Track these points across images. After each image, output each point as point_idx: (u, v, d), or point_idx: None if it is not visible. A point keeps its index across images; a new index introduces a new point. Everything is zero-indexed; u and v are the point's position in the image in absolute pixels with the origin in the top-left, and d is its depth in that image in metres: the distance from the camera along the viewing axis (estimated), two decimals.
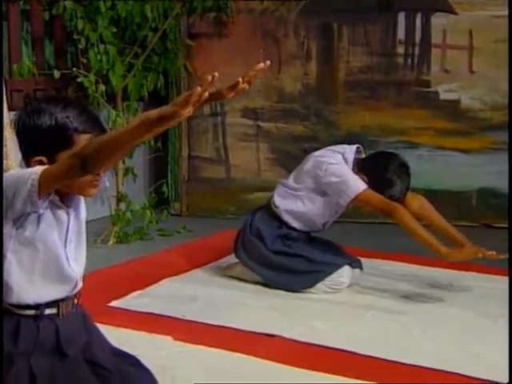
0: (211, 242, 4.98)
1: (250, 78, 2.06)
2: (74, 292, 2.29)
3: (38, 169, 2.03)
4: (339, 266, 3.84)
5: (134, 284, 3.86)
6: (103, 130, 2.15)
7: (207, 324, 3.32)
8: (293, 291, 3.82)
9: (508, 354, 1.82)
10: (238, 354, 2.95)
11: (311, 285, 3.81)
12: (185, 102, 1.81)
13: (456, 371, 2.84)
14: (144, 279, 3.96)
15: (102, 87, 5.04)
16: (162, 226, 5.41)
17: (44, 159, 2.09)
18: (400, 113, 5.79)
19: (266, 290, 3.88)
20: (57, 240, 2.18)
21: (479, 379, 2.78)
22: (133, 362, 2.37)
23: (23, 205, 2.06)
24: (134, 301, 3.66)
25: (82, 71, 5.02)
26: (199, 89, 1.80)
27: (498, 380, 2.75)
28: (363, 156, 3.86)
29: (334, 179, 3.72)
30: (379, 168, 3.73)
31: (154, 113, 1.85)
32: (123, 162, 5.21)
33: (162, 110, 1.84)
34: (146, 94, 5.37)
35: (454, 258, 3.54)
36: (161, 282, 3.97)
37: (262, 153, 6.05)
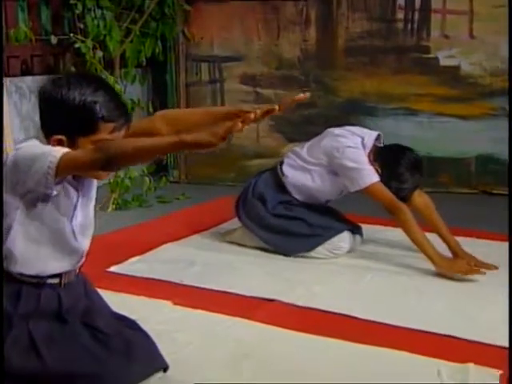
0: (210, 208, 4.98)
1: (286, 106, 2.07)
2: (78, 265, 2.31)
3: (57, 151, 2.01)
4: (339, 231, 3.85)
5: (133, 249, 3.87)
6: (128, 120, 2.14)
7: (206, 289, 3.33)
8: (292, 255, 3.84)
9: (508, 354, 1.83)
10: (237, 319, 2.96)
11: (311, 249, 3.82)
12: (224, 135, 1.85)
13: (452, 334, 2.86)
14: (143, 245, 3.96)
15: (100, 53, 5.01)
16: (161, 193, 5.41)
17: (64, 139, 2.08)
18: (399, 79, 5.76)
19: (265, 254, 3.89)
20: (65, 215, 2.18)
21: (475, 342, 2.80)
22: (132, 325, 2.39)
23: (36, 184, 2.04)
24: (133, 266, 3.67)
25: (79, 37, 4.99)
26: (240, 125, 1.82)
27: (494, 342, 2.78)
28: (381, 145, 3.83)
29: (348, 164, 3.69)
30: (393, 161, 3.71)
31: (189, 138, 1.87)
32: None
33: (198, 137, 1.86)
34: (144, 59, 5.34)
35: (446, 270, 3.51)
36: (160, 248, 3.98)
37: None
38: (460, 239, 4.00)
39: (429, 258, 3.55)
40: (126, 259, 3.73)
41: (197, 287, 3.36)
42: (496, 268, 3.59)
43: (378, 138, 3.82)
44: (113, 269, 3.62)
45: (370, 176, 3.67)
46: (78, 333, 2.26)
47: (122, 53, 5.21)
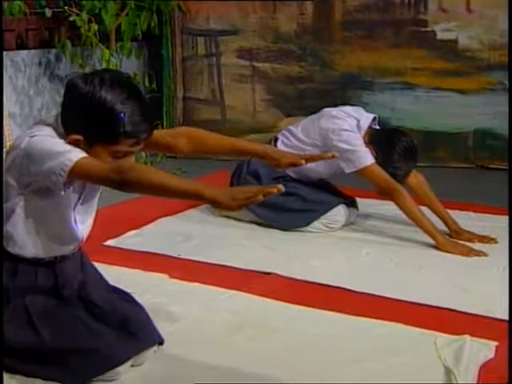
0: (207, 183, 4.93)
1: (312, 160, 2.05)
2: (76, 250, 2.31)
3: (74, 154, 1.99)
4: (334, 205, 3.84)
5: (130, 223, 3.86)
6: (151, 134, 2.11)
7: (203, 262, 3.33)
8: (288, 230, 3.83)
9: (508, 353, 1.83)
10: (234, 292, 2.96)
11: (306, 223, 3.82)
12: (243, 204, 1.86)
13: (449, 307, 2.87)
14: (139, 219, 3.96)
15: (95, 26, 4.97)
16: (158, 168, 5.38)
17: (82, 140, 2.06)
18: (397, 53, 5.72)
19: (261, 228, 3.89)
20: (68, 206, 2.18)
21: (472, 314, 2.81)
22: (128, 299, 2.40)
23: (45, 180, 2.03)
24: (130, 240, 3.67)
25: (74, 10, 4.95)
26: (261, 197, 1.83)
27: (491, 314, 2.79)
28: (377, 127, 3.81)
29: (343, 146, 3.67)
30: (388, 145, 3.68)
31: (208, 193, 1.87)
32: None
33: (218, 197, 1.87)
34: (140, 33, 5.29)
35: (449, 250, 3.50)
36: (156, 222, 3.98)
37: (257, 94, 6.00)
38: (457, 213, 4.01)
39: (431, 236, 3.55)
40: (123, 233, 3.73)
41: (193, 261, 3.36)
42: (495, 241, 3.60)
43: (373, 120, 3.80)
44: (109, 243, 3.62)
45: (366, 157, 3.66)
46: (73, 307, 2.27)
47: (117, 26, 5.17)
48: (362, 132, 3.74)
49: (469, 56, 5.59)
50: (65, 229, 2.24)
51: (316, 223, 3.83)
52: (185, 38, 6.01)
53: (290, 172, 3.88)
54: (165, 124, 5.96)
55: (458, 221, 3.82)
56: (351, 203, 3.99)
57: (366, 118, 3.78)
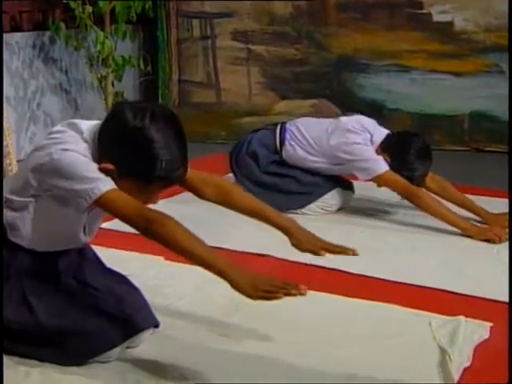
0: (203, 166, 4.94)
1: (332, 252, 2.15)
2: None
3: (104, 184, 1.98)
4: (331, 188, 3.84)
5: None
6: (183, 180, 2.14)
7: None
8: (284, 212, 3.83)
9: (508, 353, 1.84)
10: None
11: (302, 206, 3.83)
12: (262, 296, 1.91)
13: (444, 288, 2.88)
14: None
15: (89, 9, 4.95)
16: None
17: (114, 170, 2.03)
18: (392, 35, 5.72)
19: None
20: (82, 215, 2.17)
21: (467, 295, 2.82)
22: (124, 282, 2.40)
23: (67, 197, 2.03)
24: None
25: None
26: (279, 298, 1.88)
27: (485, 296, 2.80)
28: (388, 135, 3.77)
29: (356, 158, 3.67)
30: (401, 149, 3.65)
31: (230, 276, 1.93)
32: (113, 86, 5.15)
33: (239, 281, 1.93)
34: (135, 15, 5.27)
35: (479, 237, 3.46)
36: (151, 204, 3.95)
37: (252, 76, 5.99)
38: None
39: (459, 228, 3.50)
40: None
41: None
42: None
43: (387, 136, 3.75)
44: (104, 225, 3.56)
45: (379, 165, 3.63)
46: (69, 289, 2.27)
47: (111, 9, 5.14)
48: (375, 146, 3.71)
49: (464, 38, 5.58)
50: (73, 235, 2.27)
51: (312, 206, 3.83)
52: (180, 21, 5.99)
53: (288, 159, 3.88)
54: None
55: (449, 205, 3.82)
56: (347, 186, 3.99)
57: (380, 134, 3.75)
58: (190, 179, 2.24)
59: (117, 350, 2.23)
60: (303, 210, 3.84)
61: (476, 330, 2.49)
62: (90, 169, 2.01)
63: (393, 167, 3.63)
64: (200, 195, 2.32)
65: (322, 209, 3.84)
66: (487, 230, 3.52)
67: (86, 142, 2.07)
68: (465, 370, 2.24)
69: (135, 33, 5.50)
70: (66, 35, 5.08)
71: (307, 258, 3.16)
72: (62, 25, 5.05)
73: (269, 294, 1.89)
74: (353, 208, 3.96)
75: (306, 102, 5.92)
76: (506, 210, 3.81)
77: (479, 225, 3.60)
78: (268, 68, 5.97)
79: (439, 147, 5.65)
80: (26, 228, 2.18)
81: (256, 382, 2.09)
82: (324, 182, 3.87)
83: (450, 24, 5.59)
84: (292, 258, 3.19)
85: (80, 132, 2.09)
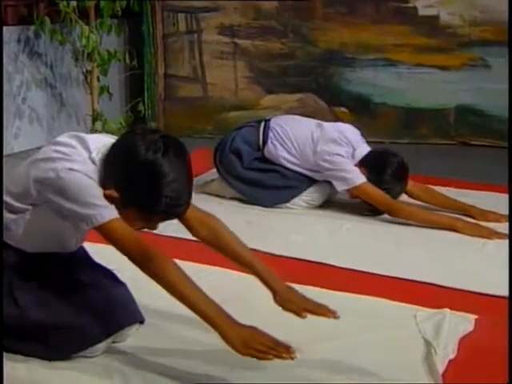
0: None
1: (315, 314, 2.16)
2: None
3: (107, 212, 2.00)
4: (315, 182, 3.84)
5: None
6: (182, 214, 2.14)
7: (183, 239, 3.29)
8: (269, 206, 3.84)
9: (508, 351, 1.84)
10: (215, 268, 2.96)
11: (287, 200, 3.83)
12: (251, 354, 1.93)
13: (429, 281, 2.89)
14: None
15: (74, 3, 4.92)
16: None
17: (117, 198, 2.03)
18: (378, 29, 5.71)
19: (242, 205, 3.90)
20: (78, 229, 2.16)
21: (452, 288, 2.83)
22: (110, 276, 2.39)
23: (68, 217, 2.04)
24: None
25: None
26: (272, 357, 1.91)
27: (470, 288, 2.81)
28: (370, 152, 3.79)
29: (335, 167, 3.69)
30: (379, 167, 3.68)
31: (221, 327, 1.96)
32: (98, 80, 5.13)
33: (230, 335, 1.95)
34: (120, 9, 5.23)
35: (470, 233, 3.46)
36: None
37: (239, 71, 5.97)
38: (438, 189, 4.03)
39: (450, 227, 3.50)
40: None
41: (173, 237, 3.34)
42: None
43: (369, 153, 3.77)
44: None
45: (357, 177, 3.65)
46: (56, 283, 2.26)
47: (96, 3, 5.11)
48: (355, 160, 3.73)
49: (450, 32, 5.59)
50: (65, 243, 2.28)
51: (296, 200, 3.84)
52: (165, 15, 5.96)
53: (269, 157, 3.88)
54: (146, 101, 5.92)
55: None
56: None
57: (362, 150, 3.77)
58: (187, 216, 2.23)
59: (102, 344, 2.23)
60: (287, 205, 3.84)
61: (461, 323, 2.50)
62: (95, 194, 2.01)
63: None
64: (194, 234, 2.33)
65: (307, 203, 3.85)
66: (474, 225, 3.53)
67: (93, 162, 2.06)
68: (449, 362, 2.25)
69: (120, 27, 5.46)
70: (50, 29, 5.04)
71: (292, 251, 3.20)
72: (47, 19, 5.01)
73: (259, 353, 1.91)
74: (338, 201, 3.96)
75: (292, 96, 5.92)
76: (492, 202, 3.86)
77: (466, 219, 3.61)
78: (254, 62, 5.96)
79: (425, 141, 5.68)
80: (18, 231, 2.18)
81: (242, 374, 2.08)
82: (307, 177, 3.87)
83: (436, 18, 5.59)
84: (277, 252, 3.20)
85: (88, 150, 2.08)
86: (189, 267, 2.91)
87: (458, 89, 5.63)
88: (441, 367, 2.20)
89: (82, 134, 2.17)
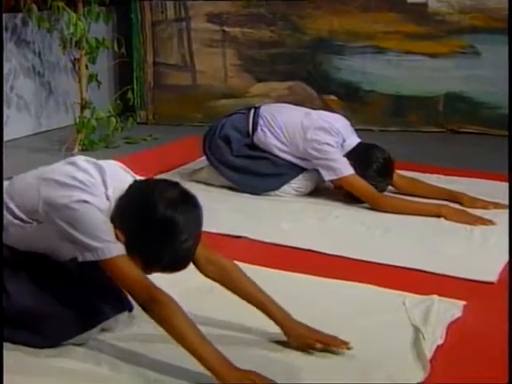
0: (178, 148, 4.95)
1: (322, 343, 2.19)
2: None
3: (115, 248, 2.01)
4: (305, 169, 3.83)
5: None
6: (184, 268, 2.10)
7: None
8: (259, 194, 3.84)
9: (508, 351, 1.85)
10: None
11: (276, 187, 3.83)
12: None
13: (418, 268, 2.89)
14: None
15: None
16: (128, 134, 5.36)
17: (124, 241, 2.03)
18: (367, 17, 5.69)
19: (231, 192, 3.89)
20: None
21: (440, 274, 2.84)
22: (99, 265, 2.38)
23: (74, 246, 2.05)
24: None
25: None
26: None
27: (458, 275, 2.82)
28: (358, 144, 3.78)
29: (323, 156, 3.68)
30: (366, 161, 3.67)
31: (220, 372, 1.93)
32: (86, 68, 5.11)
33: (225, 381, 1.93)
34: None
35: (455, 220, 3.46)
36: None
37: (228, 59, 5.96)
38: (427, 176, 4.05)
39: (435, 214, 3.50)
40: None
41: None
42: (502, 207, 3.58)
43: (358, 144, 3.77)
44: None
45: (347, 167, 3.65)
46: (46, 272, 2.26)
47: None
48: (344, 151, 3.73)
49: (439, 20, 5.58)
50: (61, 256, 2.27)
51: (286, 187, 3.83)
52: (154, 3, 5.93)
53: (258, 144, 3.88)
54: (135, 89, 5.90)
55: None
56: None
57: (352, 141, 3.77)
58: (197, 255, 2.19)
59: (91, 332, 2.23)
60: (277, 192, 3.83)
61: (449, 309, 2.51)
62: (106, 230, 2.02)
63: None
64: (202, 272, 2.30)
65: (296, 190, 3.84)
66: (460, 211, 3.55)
67: (107, 199, 2.07)
68: (438, 347, 2.26)
69: (109, 15, 5.43)
70: (38, 17, 5.01)
71: (282, 238, 3.21)
72: (34, 7, 4.98)
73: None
74: (327, 189, 3.96)
75: (281, 84, 5.90)
76: (481, 189, 3.88)
77: (453, 205, 3.63)
78: (243, 50, 5.94)
79: (414, 129, 5.68)
80: (16, 235, 2.18)
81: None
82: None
83: (425, 5, 5.58)
84: (267, 240, 3.20)
85: (105, 185, 2.09)
86: None
87: (448, 76, 5.62)
88: (429, 353, 2.21)
89: (101, 163, 2.17)
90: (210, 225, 3.26)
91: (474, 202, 3.67)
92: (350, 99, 5.75)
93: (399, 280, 2.78)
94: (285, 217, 3.52)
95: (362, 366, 2.14)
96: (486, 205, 3.64)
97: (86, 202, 2.02)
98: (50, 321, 2.18)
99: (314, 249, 3.10)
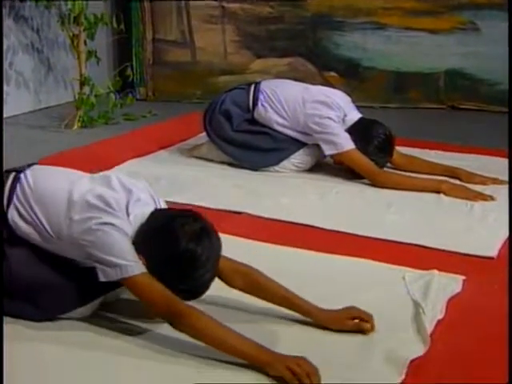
0: (177, 124, 4.94)
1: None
2: None
3: (137, 270, 2.03)
4: (304, 145, 3.83)
5: (99, 165, 3.78)
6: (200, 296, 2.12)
7: (172, 202, 3.28)
8: (258, 169, 3.83)
9: (508, 353, 1.85)
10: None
11: (276, 162, 3.81)
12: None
13: (418, 243, 2.90)
14: (108, 160, 3.90)
15: None
16: (128, 111, 5.34)
17: (144, 262, 2.07)
18: None
19: (231, 168, 3.88)
20: None
21: (440, 250, 2.84)
22: None
23: (96, 264, 2.09)
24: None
25: None
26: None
27: (457, 250, 2.83)
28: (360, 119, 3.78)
29: (324, 130, 3.67)
30: (367, 136, 3.66)
31: (273, 365, 1.93)
32: (85, 44, 5.08)
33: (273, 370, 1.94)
34: None
35: (455, 195, 3.45)
36: (126, 163, 3.93)
37: (227, 35, 5.92)
38: (427, 152, 4.05)
39: (435, 190, 3.50)
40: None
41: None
42: (501, 182, 3.59)
43: (359, 119, 3.76)
44: None
45: (349, 142, 3.64)
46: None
47: None
48: (346, 126, 3.72)
49: None
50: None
51: (286, 163, 3.82)
52: None
53: (259, 119, 3.86)
54: (134, 65, 5.87)
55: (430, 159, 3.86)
56: None
57: (353, 116, 3.76)
58: (222, 268, 2.21)
59: (92, 306, 2.23)
60: (276, 168, 3.82)
61: (449, 284, 2.51)
62: (130, 251, 2.06)
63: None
64: (228, 283, 2.30)
65: (296, 166, 3.83)
66: (459, 186, 3.54)
67: (130, 224, 2.11)
68: (438, 322, 2.27)
69: None
70: None
71: (282, 214, 3.20)
72: None
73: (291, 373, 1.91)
74: (328, 165, 3.96)
75: (281, 60, 5.88)
76: (479, 165, 3.88)
77: (452, 181, 3.62)
78: (243, 26, 5.90)
79: (415, 105, 5.67)
80: (24, 231, 2.21)
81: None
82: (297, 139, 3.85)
83: None
84: (267, 215, 3.20)
85: (127, 212, 2.13)
86: None
87: (448, 52, 5.60)
88: (429, 327, 2.21)
89: (131, 186, 2.21)
90: (209, 201, 3.34)
91: (472, 178, 3.67)
92: (350, 76, 5.73)
93: (399, 255, 2.78)
94: (285, 192, 3.51)
95: (363, 340, 2.15)
96: (484, 180, 3.64)
97: (112, 224, 2.07)
98: (49, 292, 2.18)
99: (314, 224, 3.09)
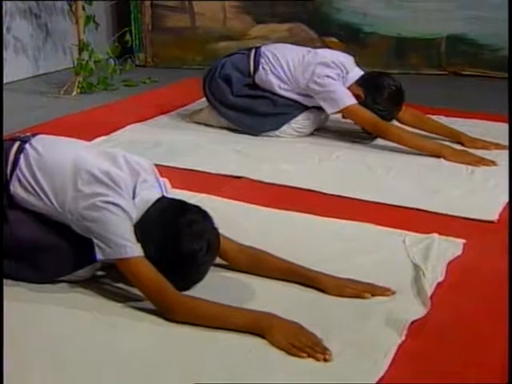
0: (177, 90, 4.92)
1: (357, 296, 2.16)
2: None
3: (136, 252, 2.03)
4: (305, 109, 3.80)
5: (98, 130, 3.80)
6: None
7: (172, 167, 3.28)
8: (258, 134, 3.81)
9: (508, 353, 1.84)
10: (205, 195, 2.95)
11: (276, 127, 3.80)
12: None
13: (418, 207, 2.89)
14: (108, 126, 3.89)
15: None
16: (127, 77, 5.31)
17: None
18: None
19: (231, 133, 3.86)
20: None
21: (440, 214, 2.84)
22: None
23: (93, 239, 2.07)
24: (99, 146, 3.61)
25: None
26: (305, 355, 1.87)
27: (458, 214, 2.83)
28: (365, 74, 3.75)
29: (325, 89, 3.65)
30: (377, 88, 3.64)
31: (270, 331, 1.93)
32: (83, 9, 5.03)
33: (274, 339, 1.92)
34: None
35: (457, 160, 3.42)
36: (126, 128, 3.92)
37: (227, 0, 5.87)
38: (430, 118, 4.02)
39: (438, 154, 3.48)
40: (92, 139, 3.65)
41: (163, 165, 3.31)
42: (503, 147, 3.57)
43: (362, 76, 3.73)
44: None
45: (350, 97, 3.62)
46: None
47: None
48: (349, 83, 3.69)
49: None
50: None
51: (286, 128, 3.80)
52: None
53: (260, 83, 3.83)
54: (133, 31, 5.83)
55: None
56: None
57: (356, 73, 3.73)
58: (227, 251, 2.24)
59: (91, 268, 2.22)
60: (276, 133, 3.81)
61: (449, 247, 2.51)
62: (131, 233, 2.05)
63: (365, 104, 3.63)
64: (233, 264, 2.30)
65: (297, 131, 3.81)
66: (462, 152, 3.53)
67: (135, 206, 2.10)
68: (438, 284, 2.27)
69: None
70: None
71: (282, 179, 3.20)
72: None
73: (293, 348, 1.89)
74: (329, 129, 3.94)
75: (281, 25, 5.83)
76: (481, 130, 3.87)
77: (454, 145, 3.61)
78: None
79: (416, 71, 5.63)
80: (26, 199, 2.20)
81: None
82: (298, 103, 3.83)
83: None
84: (267, 180, 3.19)
85: (134, 193, 2.13)
86: (178, 194, 2.95)
87: (449, 17, 5.55)
88: (429, 290, 2.21)
89: (137, 167, 2.20)
90: (209, 166, 3.33)
91: (475, 143, 3.66)
92: (350, 41, 5.68)
93: (399, 219, 2.78)
94: (285, 157, 3.50)
95: (363, 303, 2.15)
96: (486, 145, 3.63)
97: (118, 205, 2.06)
98: (48, 255, 2.18)
99: (314, 189, 3.09)
